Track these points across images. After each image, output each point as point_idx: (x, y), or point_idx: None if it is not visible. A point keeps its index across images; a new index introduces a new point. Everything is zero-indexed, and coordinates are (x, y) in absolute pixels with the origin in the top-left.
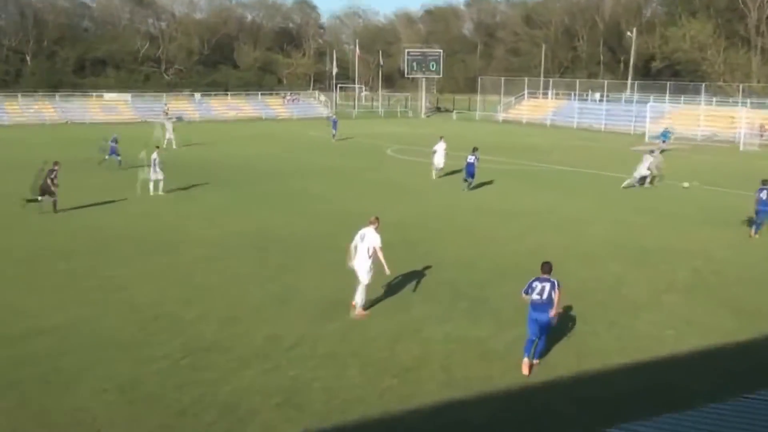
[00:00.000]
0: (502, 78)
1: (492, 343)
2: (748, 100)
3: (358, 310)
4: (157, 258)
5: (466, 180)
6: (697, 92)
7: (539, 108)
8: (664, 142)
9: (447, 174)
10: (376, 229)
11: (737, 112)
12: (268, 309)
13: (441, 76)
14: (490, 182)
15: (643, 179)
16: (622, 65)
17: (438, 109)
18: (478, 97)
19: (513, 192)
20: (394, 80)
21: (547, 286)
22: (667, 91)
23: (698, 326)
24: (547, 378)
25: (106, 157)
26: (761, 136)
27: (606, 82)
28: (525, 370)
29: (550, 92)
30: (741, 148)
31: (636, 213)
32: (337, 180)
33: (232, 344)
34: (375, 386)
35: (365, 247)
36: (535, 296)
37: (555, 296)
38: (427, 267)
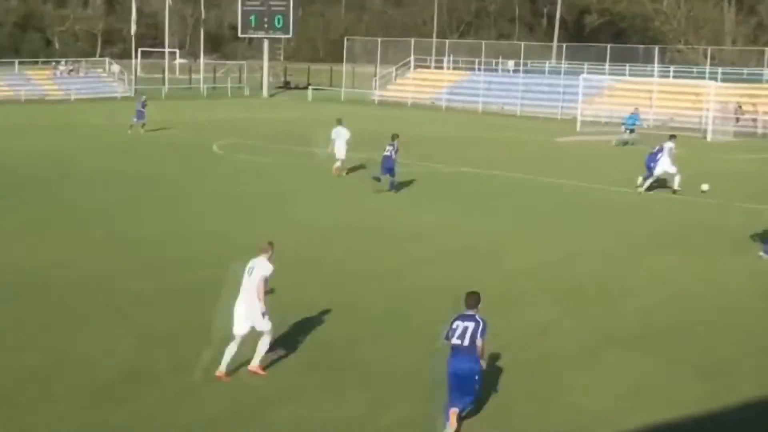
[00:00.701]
0: (378, 40)
1: (365, 427)
2: (719, 70)
3: (255, 367)
4: None
5: (378, 178)
6: (648, 59)
7: (431, 83)
8: (631, 130)
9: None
10: (269, 258)
11: (704, 86)
12: (18, 392)
13: (291, 36)
14: (372, 192)
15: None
16: (545, 21)
17: (287, 85)
18: (344, 68)
19: (401, 205)
20: (223, 43)
21: (471, 326)
22: (607, 58)
23: (649, 392)
24: None
25: None
26: (737, 120)
27: (523, 45)
28: (452, 425)
29: (446, 60)
30: (709, 137)
31: (570, 233)
32: (140, 193)
33: None
34: None
35: (253, 284)
36: (455, 340)
37: (479, 342)
38: (283, 316)
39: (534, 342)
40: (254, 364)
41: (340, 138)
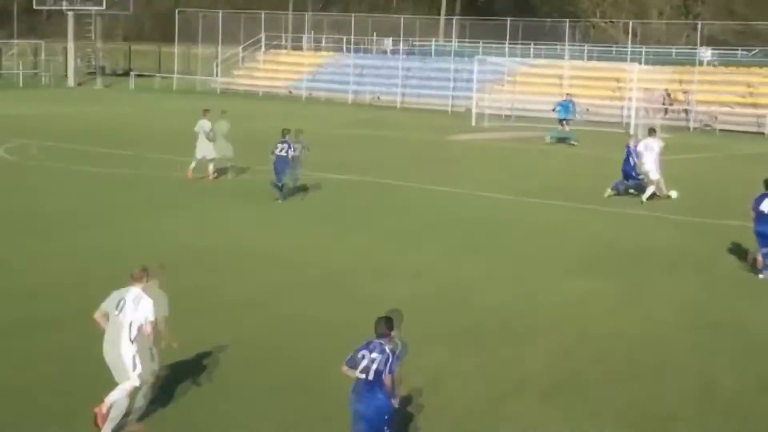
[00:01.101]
0: (219, 12)
1: None
2: (644, 49)
3: (134, 427)
4: None
5: (279, 186)
6: (558, 36)
7: (288, 67)
8: (564, 121)
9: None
10: (145, 289)
11: (626, 69)
12: None
13: (105, 8)
14: (196, 205)
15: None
16: None
17: (102, 71)
18: (177, 50)
19: (263, 222)
20: (8, 18)
21: (378, 358)
22: (507, 36)
23: None
24: None
25: None
26: (665, 111)
27: (403, 19)
28: None
29: (305, 38)
30: (632, 132)
31: (469, 255)
32: None
33: None
34: None
35: (128, 322)
36: (359, 373)
37: (387, 379)
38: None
39: (421, 392)
40: (104, 407)
41: (215, 131)
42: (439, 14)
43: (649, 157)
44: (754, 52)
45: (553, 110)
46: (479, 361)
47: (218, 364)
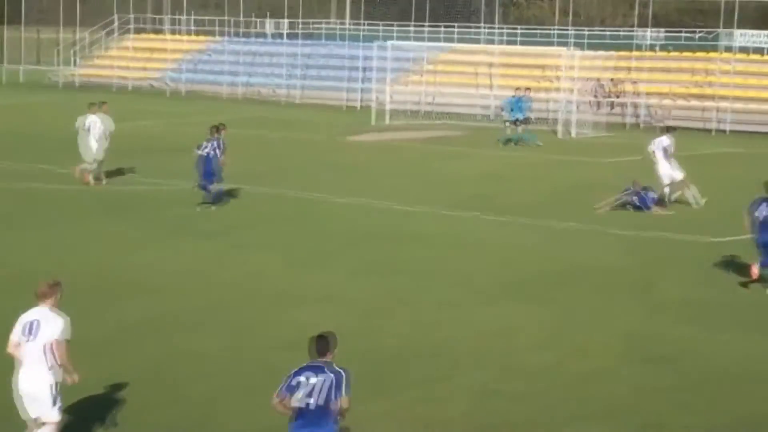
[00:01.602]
0: None
1: None
2: (571, 31)
3: None
4: None
5: (205, 187)
6: (478, 17)
7: (149, 55)
8: (517, 122)
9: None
10: (53, 307)
11: (561, 55)
12: None
13: None
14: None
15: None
16: None
17: None
18: (6, 35)
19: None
20: None
21: (323, 380)
22: (412, 17)
23: None
24: None
25: None
26: (598, 104)
27: None
28: None
29: (167, 20)
30: (560, 134)
31: (376, 274)
32: None
33: None
34: None
35: (40, 346)
36: (300, 402)
37: (344, 402)
38: None
39: None
40: None
41: (95, 129)
42: None
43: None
44: (700, 34)
45: (502, 110)
46: (389, 403)
47: (96, 407)
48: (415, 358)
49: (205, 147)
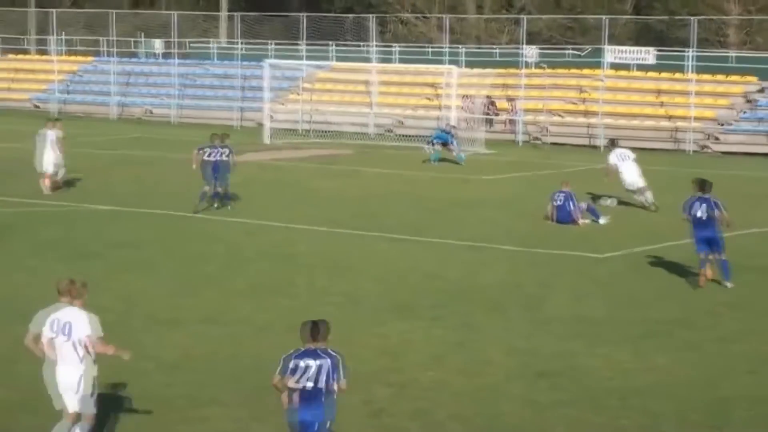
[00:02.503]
0: None
1: None
2: (462, 49)
3: None
4: None
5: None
6: (363, 35)
7: (32, 75)
8: (446, 143)
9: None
10: (82, 306)
11: (443, 73)
12: None
13: None
14: None
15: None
16: None
17: None
18: None
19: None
20: None
21: (323, 366)
22: (303, 36)
23: None
24: None
25: None
26: (490, 122)
27: (175, 15)
28: None
29: (53, 40)
30: (455, 151)
31: (265, 293)
32: None
33: None
34: None
35: (74, 343)
36: (300, 383)
37: (343, 384)
38: None
39: None
40: None
41: (48, 141)
42: (217, 10)
43: (630, 166)
44: (586, 51)
45: (431, 143)
46: (276, 421)
47: None
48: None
49: (212, 153)
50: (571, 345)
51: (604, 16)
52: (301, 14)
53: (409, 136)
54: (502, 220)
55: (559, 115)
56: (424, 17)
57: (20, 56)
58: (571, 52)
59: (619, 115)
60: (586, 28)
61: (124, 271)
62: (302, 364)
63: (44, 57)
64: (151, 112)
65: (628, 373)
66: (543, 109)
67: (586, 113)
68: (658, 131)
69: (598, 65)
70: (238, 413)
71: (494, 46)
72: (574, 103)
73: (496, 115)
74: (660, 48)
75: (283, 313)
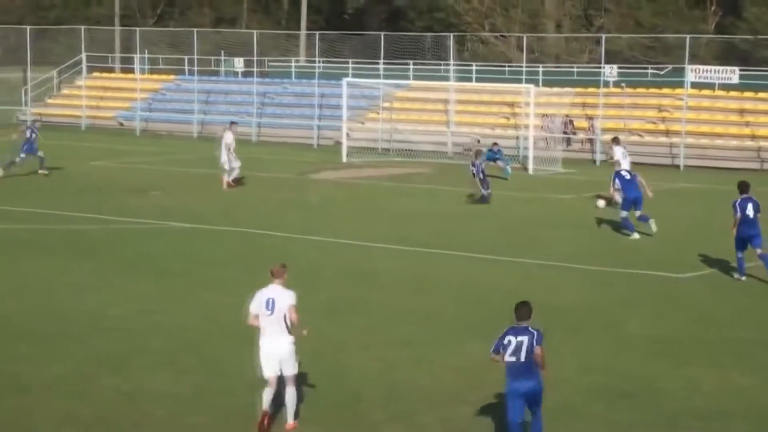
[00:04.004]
0: (27, 28)
1: None
2: (541, 68)
3: (291, 423)
4: None
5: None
6: (440, 53)
7: (116, 93)
8: (495, 161)
9: None
10: (283, 284)
11: (522, 92)
12: None
13: None
14: None
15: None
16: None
17: None
18: None
19: None
20: None
21: (525, 339)
22: (382, 55)
23: None
24: None
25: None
26: (568, 141)
27: (256, 34)
28: None
29: (137, 59)
30: (531, 169)
31: (342, 313)
32: None
33: None
34: None
35: (280, 317)
36: (509, 357)
37: (538, 350)
38: None
39: None
40: (291, 421)
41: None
42: (297, 28)
43: (628, 164)
44: (666, 70)
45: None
46: None
47: None
48: (388, 393)
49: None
50: (650, 365)
51: (686, 35)
52: (380, 33)
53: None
54: (580, 240)
55: (639, 135)
56: (502, 36)
57: (105, 74)
58: (651, 71)
59: (702, 134)
60: (667, 48)
61: (206, 289)
62: (512, 338)
63: (128, 75)
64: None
65: (710, 394)
66: (624, 128)
67: (668, 133)
68: (743, 151)
69: (678, 85)
70: (314, 431)
71: (573, 65)
72: (654, 123)
73: (574, 134)
74: (743, 68)
75: (360, 332)
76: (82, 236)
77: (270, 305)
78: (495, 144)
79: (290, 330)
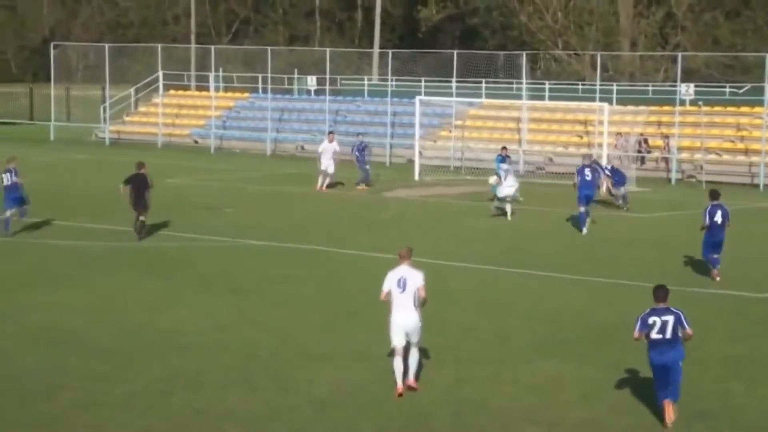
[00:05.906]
0: (106, 46)
1: None
2: (615, 86)
3: (412, 380)
4: None
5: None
6: (513, 72)
7: (191, 111)
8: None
9: None
10: (411, 264)
11: (594, 110)
12: None
13: None
14: None
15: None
16: (360, 17)
17: None
18: (53, 90)
19: None
20: None
21: (670, 320)
22: (454, 73)
23: None
24: None
25: None
26: (642, 160)
27: (329, 52)
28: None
29: (212, 77)
30: (603, 188)
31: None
32: None
33: None
34: None
35: (410, 294)
36: (656, 335)
37: (689, 331)
38: None
39: None
40: (412, 378)
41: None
42: (371, 47)
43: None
44: (745, 89)
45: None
46: None
47: None
48: (456, 413)
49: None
50: (728, 385)
51: (765, 54)
52: (453, 51)
53: (560, 173)
54: (655, 259)
55: (717, 153)
56: (576, 54)
57: (180, 92)
58: (729, 89)
59: None
60: (746, 66)
61: (276, 306)
62: (656, 318)
63: (203, 93)
64: (303, 148)
65: None
66: (701, 147)
67: (747, 151)
68: None
69: (757, 103)
70: None
71: (647, 84)
72: (732, 141)
73: (648, 152)
74: None
75: (432, 350)
76: (156, 253)
77: (402, 284)
78: (504, 148)
79: (418, 305)
